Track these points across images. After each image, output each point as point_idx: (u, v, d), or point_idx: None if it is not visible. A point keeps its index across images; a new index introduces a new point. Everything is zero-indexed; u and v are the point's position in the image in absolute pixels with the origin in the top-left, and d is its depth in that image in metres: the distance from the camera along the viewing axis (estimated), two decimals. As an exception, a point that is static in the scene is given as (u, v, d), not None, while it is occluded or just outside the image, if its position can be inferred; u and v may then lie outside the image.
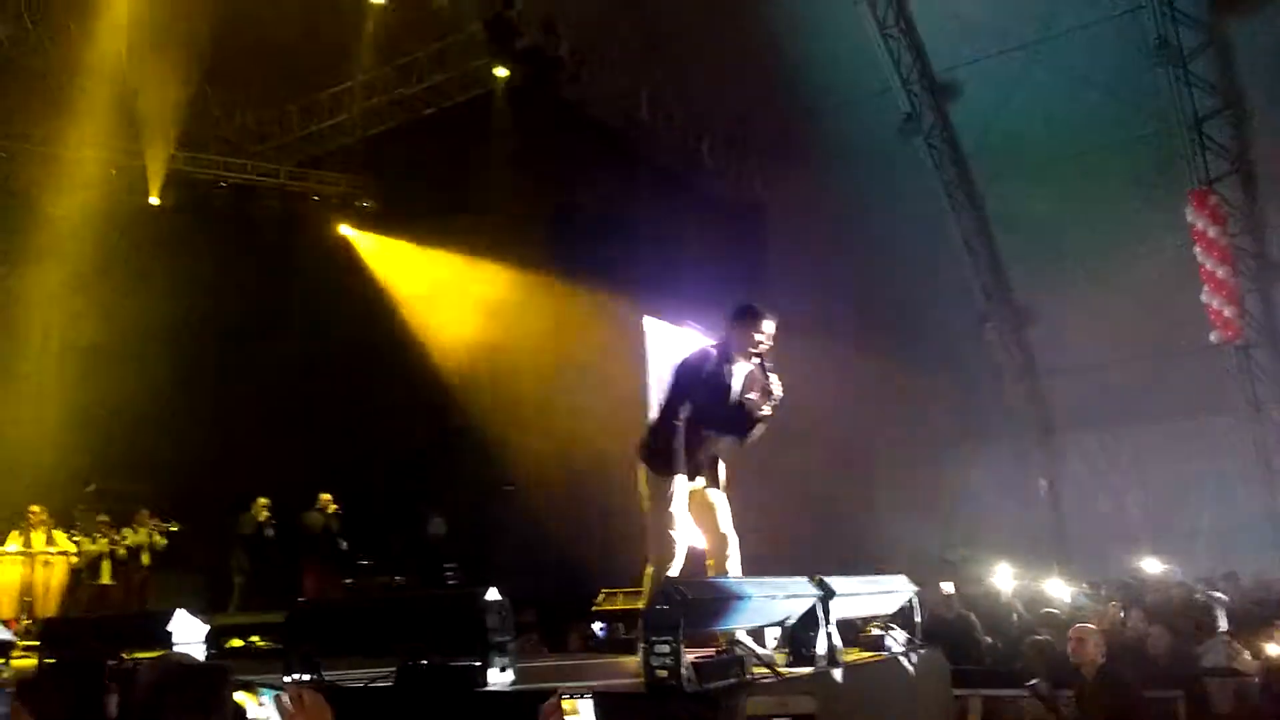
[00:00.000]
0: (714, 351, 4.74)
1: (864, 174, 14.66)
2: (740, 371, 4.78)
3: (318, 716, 2.55)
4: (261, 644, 4.77)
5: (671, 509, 4.67)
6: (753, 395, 4.80)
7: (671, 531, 4.67)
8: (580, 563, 10.63)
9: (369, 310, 12.60)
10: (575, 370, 11.65)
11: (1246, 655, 5.83)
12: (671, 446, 4.62)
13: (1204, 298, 13.18)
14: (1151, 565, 10.80)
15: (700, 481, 4.81)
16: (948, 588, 8.13)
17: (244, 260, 12.87)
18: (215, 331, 12.18)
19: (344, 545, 10.79)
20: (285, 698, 2.62)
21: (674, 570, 4.69)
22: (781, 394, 4.77)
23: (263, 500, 10.81)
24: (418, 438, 12.29)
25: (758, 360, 4.77)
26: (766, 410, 4.78)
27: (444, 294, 12.37)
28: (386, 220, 13.45)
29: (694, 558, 4.88)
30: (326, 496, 11.05)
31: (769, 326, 4.73)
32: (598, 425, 11.58)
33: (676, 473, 4.64)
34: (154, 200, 12.59)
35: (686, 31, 13.90)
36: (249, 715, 3.56)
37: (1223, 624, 6.61)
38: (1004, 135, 14.00)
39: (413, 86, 13.18)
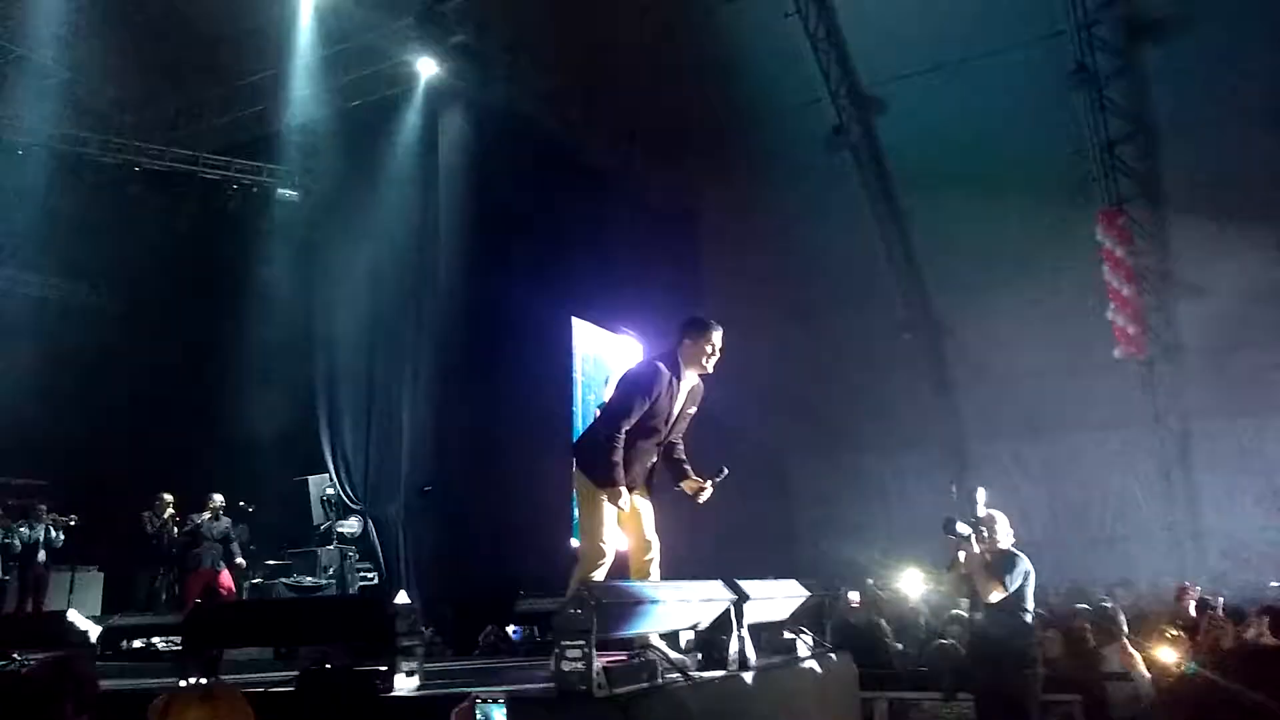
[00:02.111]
0: (663, 366, 4.70)
1: (793, 183, 14.87)
2: (686, 385, 4.78)
3: None
4: (161, 646, 4.63)
5: (603, 518, 4.66)
6: (692, 410, 4.82)
7: (601, 542, 4.66)
8: (501, 564, 10.53)
9: (286, 304, 12.30)
10: (501, 368, 11.55)
11: (1140, 661, 6.04)
12: (611, 460, 4.59)
13: (1110, 315, 13.68)
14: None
15: (637, 494, 4.81)
16: (854, 596, 8.28)
17: (158, 248, 12.49)
18: (124, 320, 11.78)
19: (238, 556, 10.31)
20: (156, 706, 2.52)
21: (599, 577, 4.68)
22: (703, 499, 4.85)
23: (167, 496, 10.37)
24: (334, 436, 12.05)
25: (705, 373, 4.78)
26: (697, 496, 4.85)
27: (363, 288, 12.14)
28: (307, 212, 13.15)
29: (618, 561, 4.89)
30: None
31: (717, 338, 4.73)
32: (523, 424, 11.51)
33: (615, 485, 4.62)
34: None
35: (621, 36, 13.91)
36: None
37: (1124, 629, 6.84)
38: (927, 150, 14.33)
39: (340, 78, 12.93)
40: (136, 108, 13.35)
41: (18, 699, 2.68)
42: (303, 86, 12.94)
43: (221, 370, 12.28)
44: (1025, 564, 5.47)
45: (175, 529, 10.13)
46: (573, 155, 14.07)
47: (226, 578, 10.03)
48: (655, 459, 4.86)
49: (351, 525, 11.39)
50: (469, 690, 3.29)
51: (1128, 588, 10.46)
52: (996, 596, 5.36)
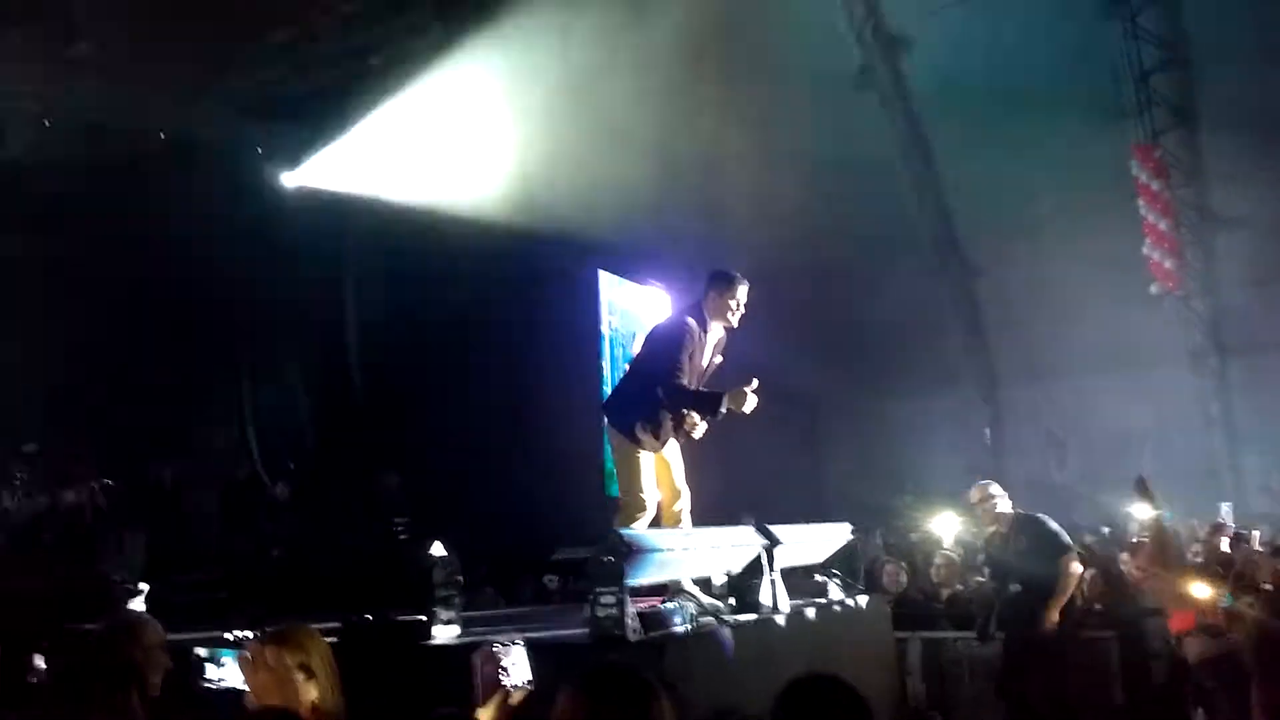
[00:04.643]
0: (693, 321, 4.73)
1: (818, 127, 14.61)
2: (712, 338, 4.81)
3: (281, 670, 2.53)
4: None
5: (642, 470, 4.73)
6: (718, 360, 4.85)
7: (642, 494, 4.73)
8: (534, 516, 10.66)
9: (310, 261, 12.38)
10: (528, 320, 11.60)
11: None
12: (660, 420, 4.67)
13: (1146, 250, 13.43)
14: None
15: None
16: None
17: (183, 214, 12.54)
18: (154, 285, 11.91)
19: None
20: (248, 654, 2.61)
21: (641, 527, 4.75)
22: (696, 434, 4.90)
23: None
24: (365, 392, 12.19)
25: (729, 326, 4.80)
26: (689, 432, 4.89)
27: (389, 243, 12.19)
28: (331, 170, 13.14)
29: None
30: None
31: (742, 292, 4.75)
32: (551, 377, 11.57)
33: (662, 443, 4.70)
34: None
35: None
36: (207, 675, 3.56)
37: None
38: (956, 88, 13.96)
39: (357, 37, 12.83)
40: (152, 75, 13.31)
41: (91, 661, 2.78)
42: (320, 46, 12.85)
43: (252, 332, 12.42)
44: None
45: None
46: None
47: None
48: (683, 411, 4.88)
49: (388, 480, 11.56)
50: (498, 637, 3.37)
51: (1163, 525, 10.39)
52: None
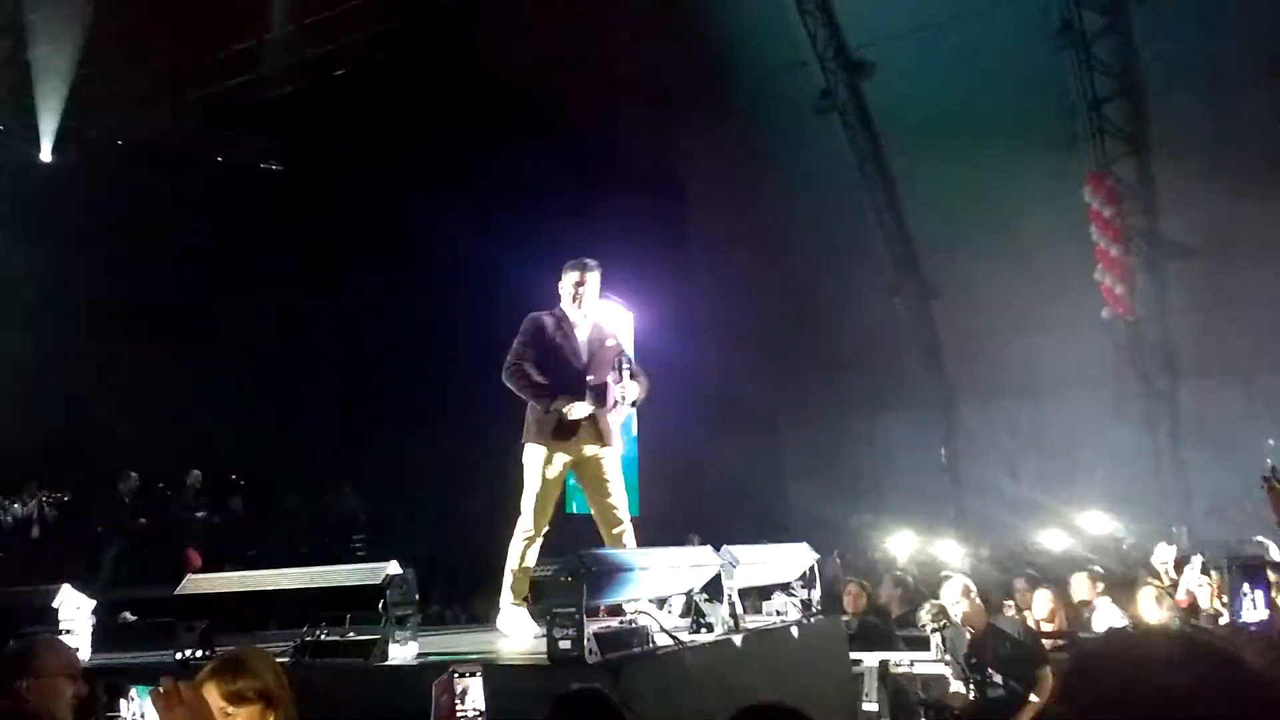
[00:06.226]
0: (543, 312, 4.81)
1: (780, 147, 14.79)
2: (582, 325, 4.83)
3: (197, 709, 2.46)
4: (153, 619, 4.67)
5: (532, 487, 4.69)
6: (610, 344, 4.85)
7: (529, 512, 4.68)
8: (486, 533, 10.57)
9: (275, 276, 12.25)
10: (488, 336, 11.53)
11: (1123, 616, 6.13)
12: (534, 412, 4.66)
13: (1097, 275, 13.71)
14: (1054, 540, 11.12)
15: (590, 449, 4.80)
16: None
17: (142, 221, 12.36)
18: (112, 293, 11.72)
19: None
20: (161, 690, 2.54)
21: (533, 552, 4.70)
22: (632, 397, 4.78)
23: (133, 474, 10.47)
24: (327, 409, 12.06)
25: (588, 315, 4.82)
26: (622, 400, 4.80)
27: (352, 261, 12.09)
28: (295, 183, 13.05)
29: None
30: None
31: (577, 276, 4.82)
32: (510, 400, 11.52)
33: (531, 435, 4.67)
34: (45, 158, 11.99)
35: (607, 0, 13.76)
36: (121, 715, 3.49)
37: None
38: (915, 112, 14.25)
39: (324, 46, 12.75)
40: (116, 82, 13.13)
41: None
42: (285, 56, 12.75)
43: (208, 344, 12.25)
44: None
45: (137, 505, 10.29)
46: (559, 121, 13.96)
47: (193, 553, 10.22)
48: (595, 408, 4.78)
49: (348, 499, 11.46)
50: (457, 659, 3.34)
51: (1114, 546, 10.60)
52: None
